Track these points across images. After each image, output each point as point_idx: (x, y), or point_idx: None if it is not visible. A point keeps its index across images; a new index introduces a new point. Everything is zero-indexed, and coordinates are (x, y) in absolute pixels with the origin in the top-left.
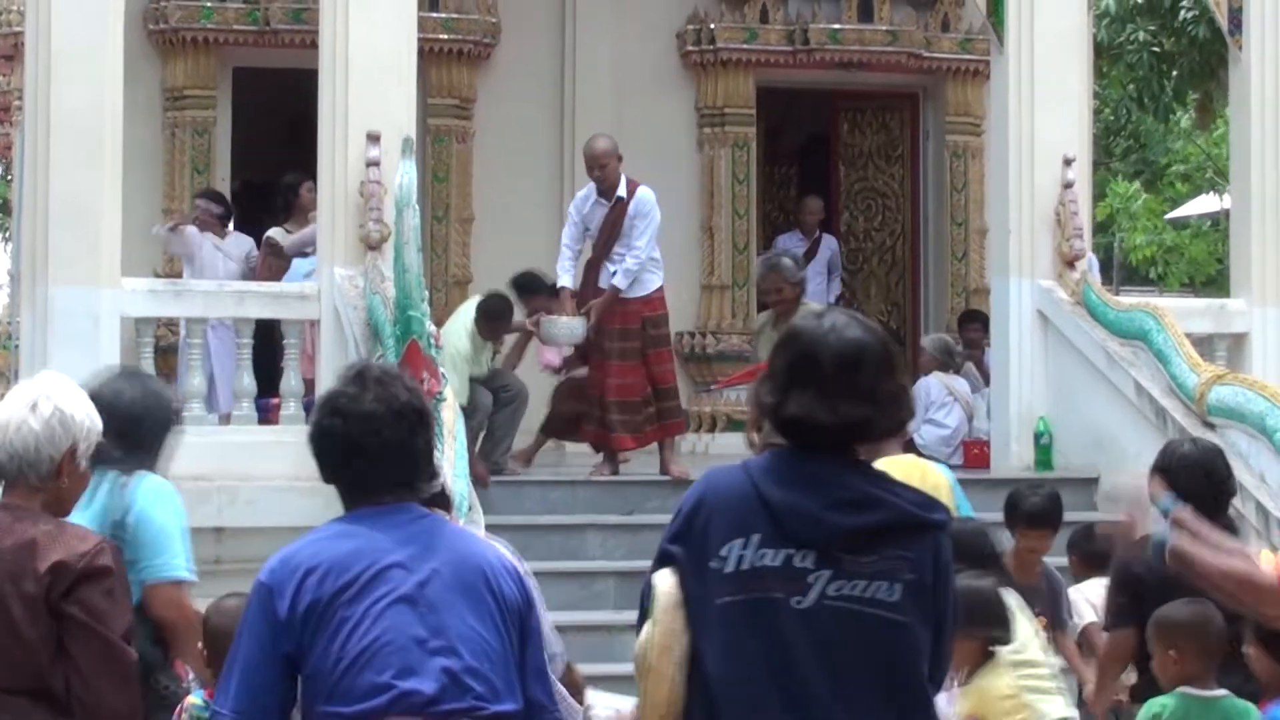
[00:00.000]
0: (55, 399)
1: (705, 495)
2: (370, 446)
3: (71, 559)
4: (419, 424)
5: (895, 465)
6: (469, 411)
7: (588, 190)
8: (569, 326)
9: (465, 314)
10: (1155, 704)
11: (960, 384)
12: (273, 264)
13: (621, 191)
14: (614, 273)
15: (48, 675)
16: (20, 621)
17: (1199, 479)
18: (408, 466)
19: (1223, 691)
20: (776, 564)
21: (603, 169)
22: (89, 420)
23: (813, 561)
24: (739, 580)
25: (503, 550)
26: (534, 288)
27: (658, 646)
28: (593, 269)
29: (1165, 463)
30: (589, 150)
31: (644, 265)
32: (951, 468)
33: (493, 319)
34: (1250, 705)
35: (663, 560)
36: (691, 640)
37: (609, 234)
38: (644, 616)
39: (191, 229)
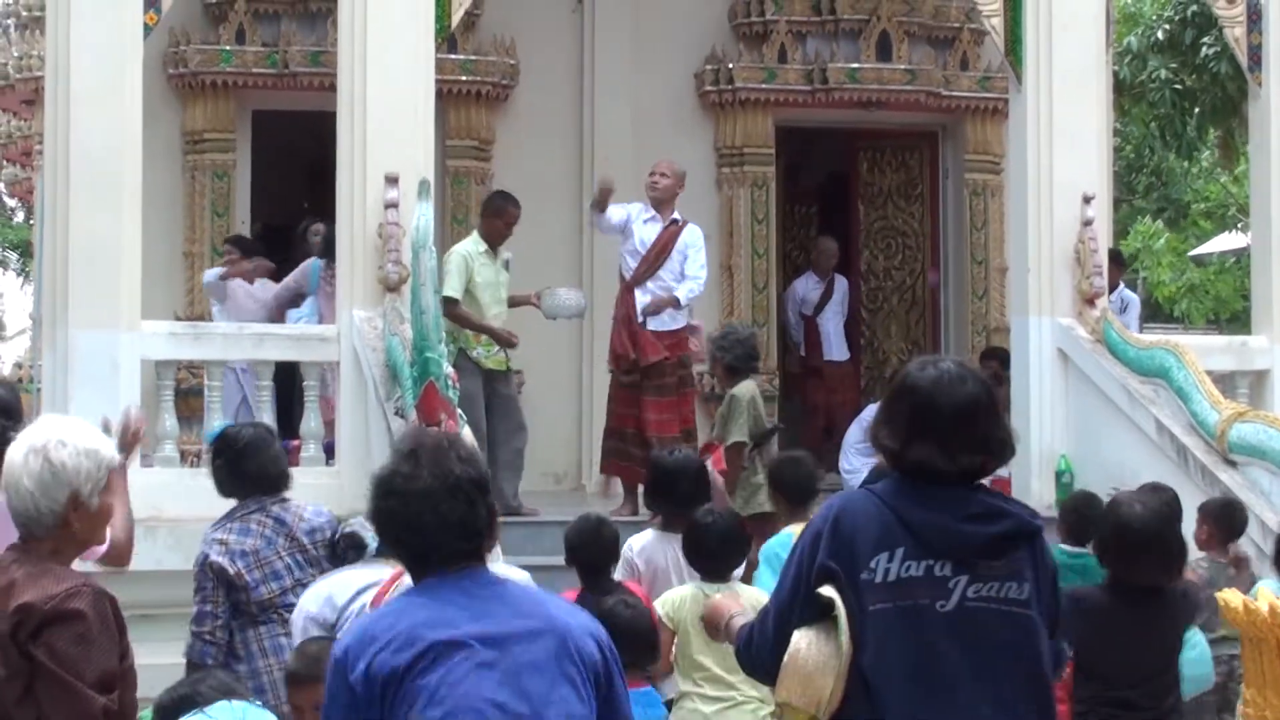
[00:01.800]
0: (47, 451)
1: (841, 516)
2: (430, 524)
3: (39, 600)
4: (477, 494)
5: None
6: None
7: (641, 204)
8: (566, 299)
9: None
10: None
11: None
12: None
13: (676, 216)
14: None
15: (14, 716)
16: None
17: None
18: (471, 537)
19: None
20: (920, 574)
21: (663, 177)
22: (87, 462)
23: (951, 569)
24: (889, 590)
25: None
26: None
27: (843, 654)
28: (628, 293)
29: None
30: (659, 163)
31: (700, 295)
32: None
33: (496, 210)
34: None
35: (823, 575)
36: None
37: (656, 255)
38: (789, 624)
39: (217, 272)
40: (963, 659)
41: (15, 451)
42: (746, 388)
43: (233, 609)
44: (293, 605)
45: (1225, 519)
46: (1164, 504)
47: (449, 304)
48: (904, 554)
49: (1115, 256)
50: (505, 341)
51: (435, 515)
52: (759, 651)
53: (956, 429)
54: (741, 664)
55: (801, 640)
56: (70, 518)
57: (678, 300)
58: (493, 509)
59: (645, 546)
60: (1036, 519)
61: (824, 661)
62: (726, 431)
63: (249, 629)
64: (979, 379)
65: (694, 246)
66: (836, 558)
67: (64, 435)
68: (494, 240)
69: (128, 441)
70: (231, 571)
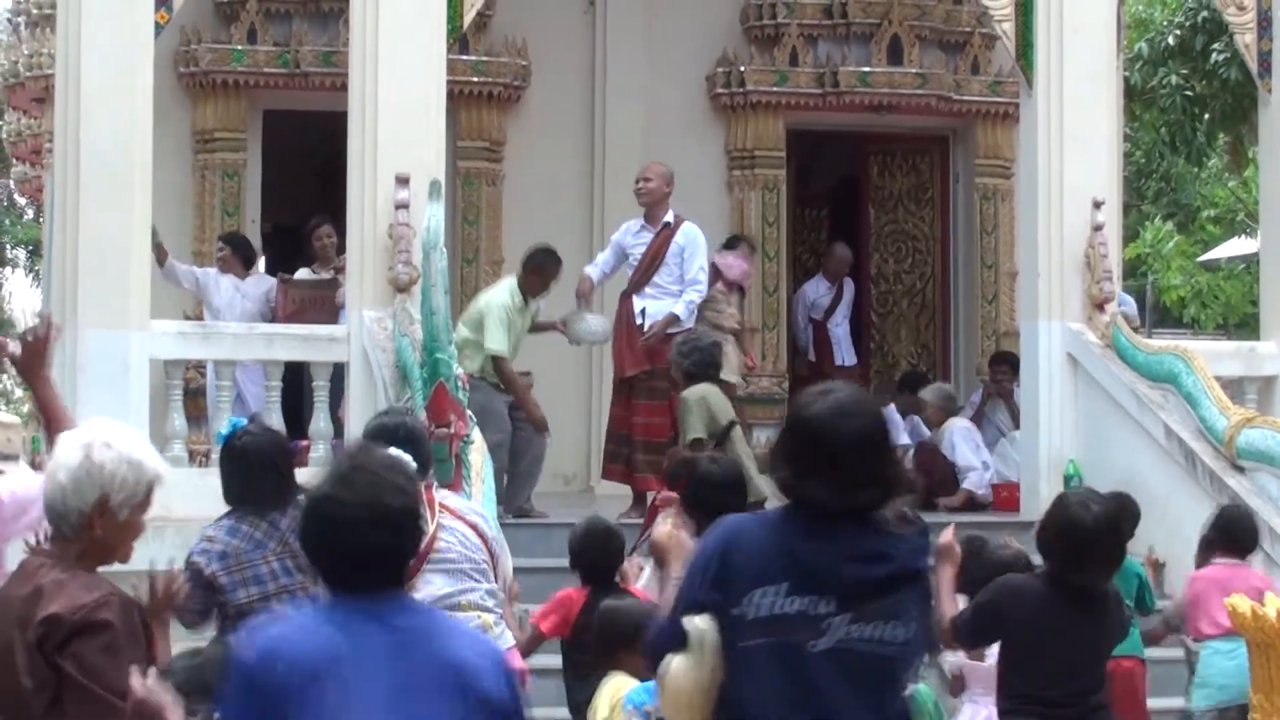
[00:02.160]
0: (90, 449)
1: (728, 545)
2: (353, 552)
3: (67, 611)
4: (407, 524)
5: None
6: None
7: (635, 221)
8: (592, 324)
9: (507, 281)
10: None
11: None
12: (295, 295)
13: (669, 218)
14: (653, 299)
15: None
16: (20, 670)
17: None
18: (393, 565)
19: None
20: (798, 610)
21: (647, 181)
22: (126, 470)
23: (835, 606)
24: (764, 625)
25: (481, 524)
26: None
27: (704, 686)
28: (626, 300)
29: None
30: (645, 166)
31: (705, 296)
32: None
33: (536, 268)
34: None
35: (695, 607)
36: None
37: (650, 261)
38: (660, 656)
39: (209, 270)
40: (835, 698)
41: (63, 444)
42: (696, 390)
43: (218, 611)
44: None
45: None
46: (1117, 506)
47: (499, 361)
48: (787, 589)
49: None
50: (538, 422)
51: (361, 544)
52: (652, 651)
53: (846, 466)
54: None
55: (675, 663)
56: (95, 521)
57: (677, 317)
58: (419, 535)
59: None
60: (920, 560)
61: (694, 688)
62: (684, 432)
63: (228, 634)
64: (871, 412)
65: (691, 247)
66: (716, 589)
67: (112, 438)
68: (531, 294)
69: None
70: (206, 572)
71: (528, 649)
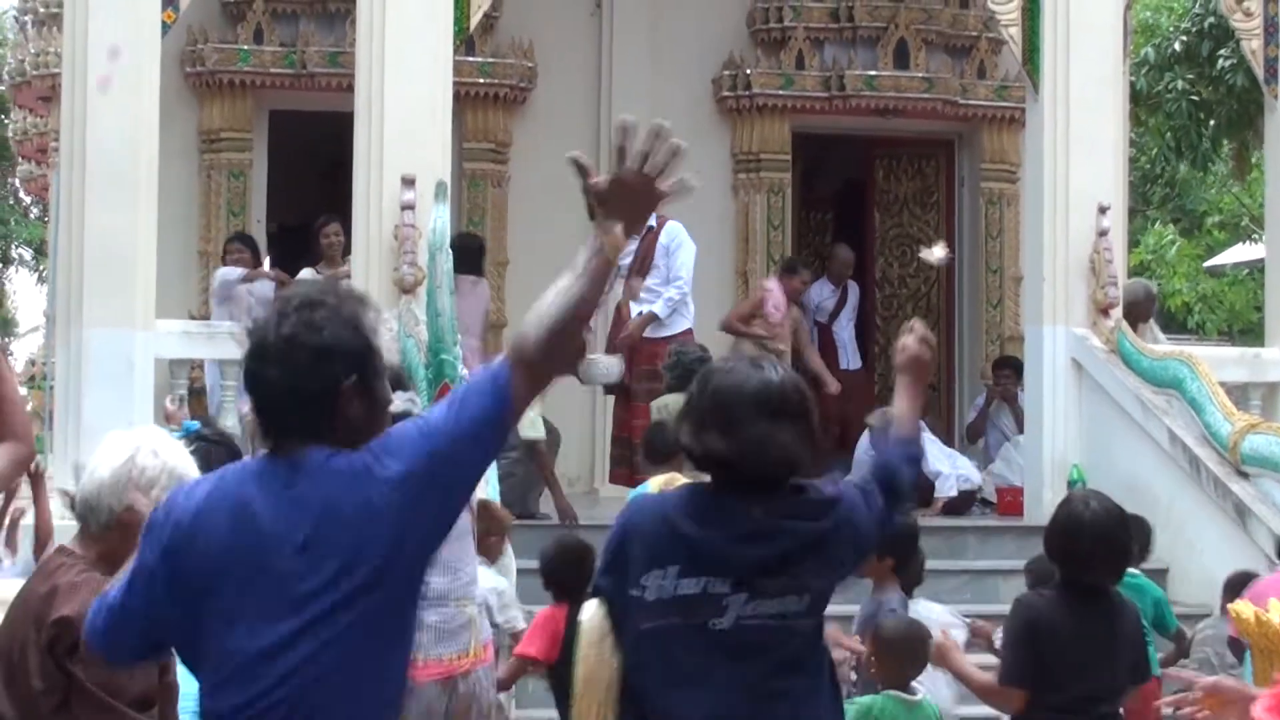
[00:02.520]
0: (136, 450)
1: (627, 530)
2: (262, 386)
3: (77, 615)
4: (339, 363)
5: None
6: (543, 443)
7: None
8: (607, 366)
9: None
10: (865, 701)
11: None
12: None
13: (651, 222)
14: (648, 303)
15: None
16: (31, 671)
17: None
18: (313, 412)
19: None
20: (695, 591)
21: None
22: (165, 480)
23: (729, 587)
24: (661, 607)
25: None
26: None
27: (583, 678)
28: (622, 307)
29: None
30: None
31: (686, 297)
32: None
33: None
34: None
35: (594, 593)
36: (621, 664)
37: (639, 266)
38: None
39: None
40: (740, 676)
41: (111, 441)
42: (659, 400)
43: None
44: None
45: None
46: (1116, 505)
47: (535, 445)
48: (679, 571)
49: None
50: (564, 511)
51: (282, 384)
52: None
53: (746, 418)
54: None
55: (580, 655)
56: (123, 522)
57: (655, 315)
58: (373, 393)
59: None
60: (825, 518)
61: (592, 676)
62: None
63: None
64: (785, 375)
65: (674, 245)
66: (610, 573)
67: (160, 447)
68: None
69: None
70: None
71: (510, 679)
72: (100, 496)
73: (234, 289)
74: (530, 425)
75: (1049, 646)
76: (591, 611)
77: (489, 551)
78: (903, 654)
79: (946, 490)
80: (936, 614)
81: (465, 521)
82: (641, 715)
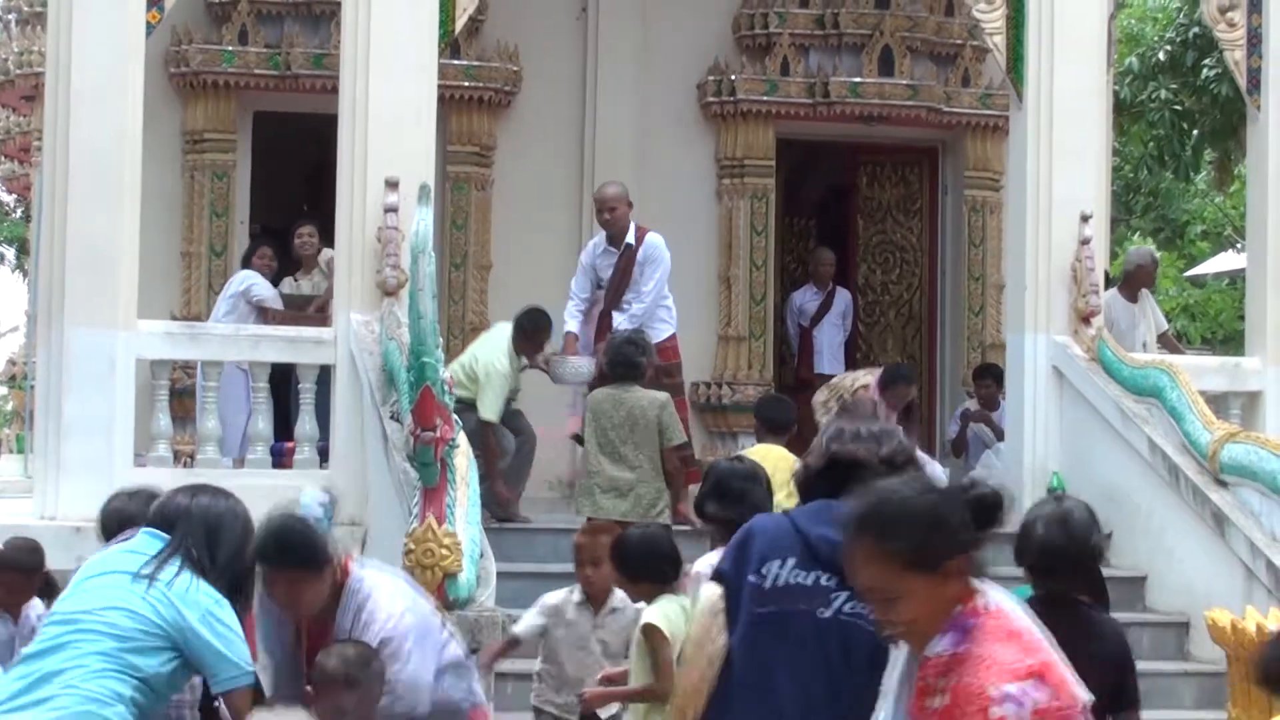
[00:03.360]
0: None
1: (753, 528)
2: None
3: None
4: None
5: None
6: (499, 440)
7: (598, 239)
8: (578, 366)
9: (499, 334)
10: None
11: None
12: (276, 316)
13: (630, 239)
14: (622, 321)
15: None
16: None
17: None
18: None
19: None
20: (808, 583)
21: (611, 213)
22: None
23: (835, 583)
24: (777, 594)
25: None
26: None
27: (693, 640)
28: (605, 318)
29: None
30: (599, 194)
31: (650, 311)
32: None
33: (530, 333)
34: None
35: (716, 577)
36: (727, 644)
37: (619, 282)
38: None
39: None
40: (829, 665)
41: None
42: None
43: None
44: None
45: None
46: (1069, 511)
47: (486, 426)
48: (795, 563)
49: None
50: (500, 496)
51: None
52: None
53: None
54: None
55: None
56: None
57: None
58: None
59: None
60: None
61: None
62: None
63: None
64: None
65: (650, 261)
66: (732, 563)
67: None
68: (526, 357)
69: None
70: None
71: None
72: None
73: (251, 299)
74: (489, 408)
75: None
76: (710, 589)
77: None
78: None
79: None
80: None
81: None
82: (730, 687)
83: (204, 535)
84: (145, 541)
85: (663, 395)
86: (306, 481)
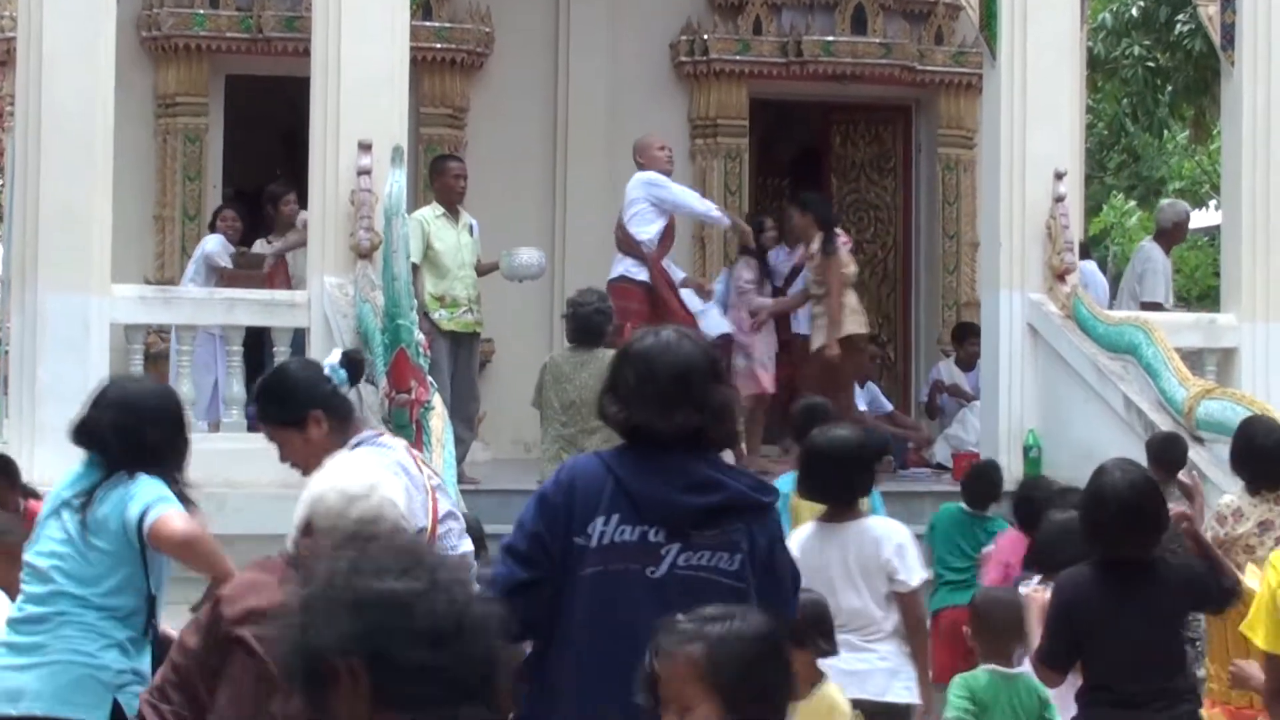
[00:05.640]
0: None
1: (566, 482)
2: None
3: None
4: None
5: None
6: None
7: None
8: (526, 257)
9: None
10: (964, 676)
11: None
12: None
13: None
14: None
15: None
16: None
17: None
18: None
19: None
20: (633, 539)
21: (670, 150)
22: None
23: (664, 536)
24: (601, 553)
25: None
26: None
27: None
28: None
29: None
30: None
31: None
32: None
33: (436, 175)
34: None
35: (530, 539)
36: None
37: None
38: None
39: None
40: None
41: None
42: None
43: None
44: None
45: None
46: (1142, 473)
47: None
48: (619, 519)
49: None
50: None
51: None
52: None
53: (673, 390)
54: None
55: None
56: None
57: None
58: None
59: (803, 543)
60: (762, 493)
61: None
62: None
63: None
64: (700, 345)
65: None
66: (551, 524)
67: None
68: (447, 201)
69: None
70: None
71: None
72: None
73: (215, 262)
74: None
75: (1086, 627)
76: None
77: None
78: (998, 626)
79: None
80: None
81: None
82: (575, 661)
83: (122, 437)
84: (79, 469)
85: None
86: None
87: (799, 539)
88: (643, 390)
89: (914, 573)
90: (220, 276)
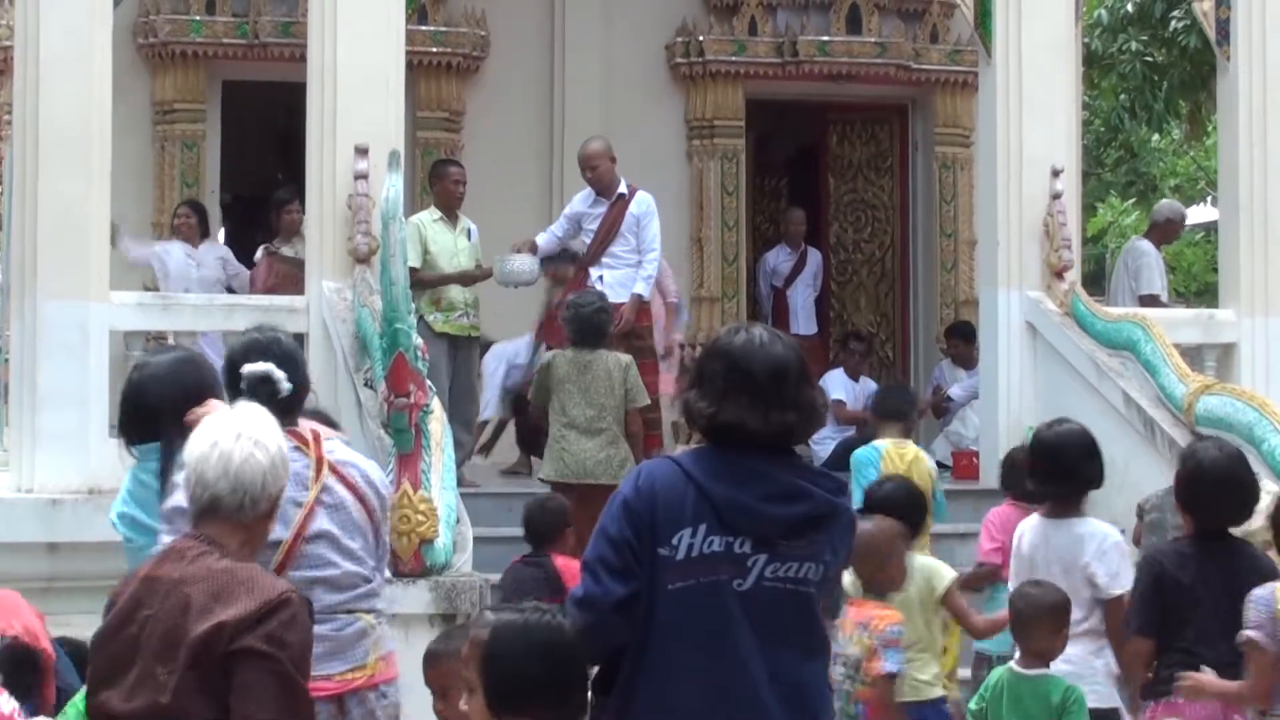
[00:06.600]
0: (281, 442)
1: (646, 490)
2: None
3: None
4: None
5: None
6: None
7: (588, 191)
8: (519, 264)
9: None
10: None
11: None
12: (279, 269)
13: (622, 189)
14: (609, 268)
15: None
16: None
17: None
18: None
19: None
20: (721, 550)
21: (594, 170)
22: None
23: (750, 548)
24: (690, 566)
25: (361, 483)
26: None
27: None
28: (582, 270)
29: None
30: (582, 151)
31: (661, 268)
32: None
33: (434, 179)
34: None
35: (623, 546)
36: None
37: (606, 233)
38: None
39: (160, 243)
40: (754, 637)
41: (231, 428)
42: (547, 355)
43: None
44: None
45: None
46: (1233, 447)
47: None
48: (706, 530)
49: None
50: (471, 279)
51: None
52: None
53: (768, 388)
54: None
55: None
56: (271, 512)
57: (641, 296)
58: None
59: (1028, 534)
60: (841, 497)
61: None
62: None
63: None
64: (790, 344)
65: (645, 217)
66: (638, 532)
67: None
68: (445, 205)
69: None
70: None
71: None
72: (264, 485)
73: (161, 258)
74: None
75: (1176, 597)
76: None
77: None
78: (1032, 622)
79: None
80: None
81: (358, 517)
82: (664, 674)
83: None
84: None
85: (626, 357)
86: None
87: (1026, 533)
88: (736, 387)
89: (1116, 578)
90: (270, 270)
